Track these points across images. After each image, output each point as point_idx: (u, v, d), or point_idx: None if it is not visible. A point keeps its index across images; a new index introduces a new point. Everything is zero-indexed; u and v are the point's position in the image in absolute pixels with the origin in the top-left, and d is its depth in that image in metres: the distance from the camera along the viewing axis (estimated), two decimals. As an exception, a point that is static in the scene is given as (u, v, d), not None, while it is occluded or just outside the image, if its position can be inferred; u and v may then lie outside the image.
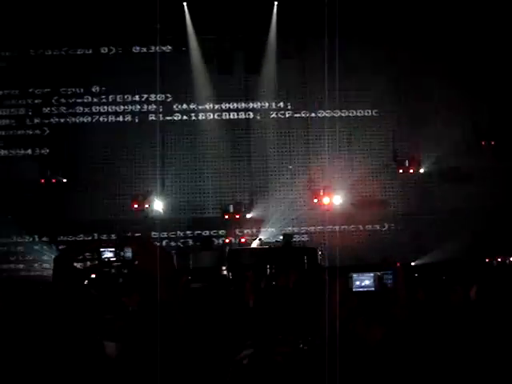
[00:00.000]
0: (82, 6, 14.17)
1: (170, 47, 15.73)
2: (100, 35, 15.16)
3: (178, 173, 15.51)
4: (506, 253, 13.84)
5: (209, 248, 14.67)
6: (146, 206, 15.30)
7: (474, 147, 15.26)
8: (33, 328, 1.43)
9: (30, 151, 15.32)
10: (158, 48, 15.61)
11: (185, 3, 15.41)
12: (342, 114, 15.86)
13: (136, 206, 15.26)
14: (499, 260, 13.71)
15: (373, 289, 2.46)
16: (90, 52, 15.48)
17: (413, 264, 14.09)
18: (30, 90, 15.32)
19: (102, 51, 15.56)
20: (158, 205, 15.39)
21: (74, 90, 15.49)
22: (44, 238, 15.11)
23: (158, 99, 15.69)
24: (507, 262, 13.55)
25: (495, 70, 15.12)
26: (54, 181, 15.12)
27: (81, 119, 15.52)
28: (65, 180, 15.18)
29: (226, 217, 15.43)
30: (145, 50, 15.65)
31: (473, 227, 14.25)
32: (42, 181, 15.06)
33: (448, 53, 15.13)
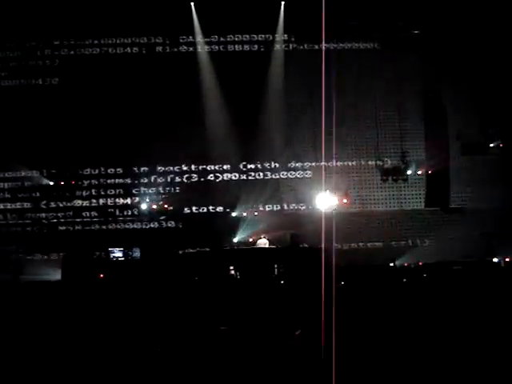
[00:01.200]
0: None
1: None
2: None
3: (184, 171, 15.61)
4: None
5: (218, 247, 14.63)
6: (154, 206, 15.49)
7: (482, 149, 15.24)
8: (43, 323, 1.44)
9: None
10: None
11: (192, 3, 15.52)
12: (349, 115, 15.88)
13: (145, 205, 15.50)
14: (507, 260, 13.69)
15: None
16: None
17: (420, 264, 14.10)
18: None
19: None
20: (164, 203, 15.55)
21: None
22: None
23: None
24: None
25: (504, 71, 15.08)
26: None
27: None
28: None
29: (235, 214, 15.49)
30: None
31: (482, 228, 14.25)
32: (52, 183, 15.30)
33: (454, 53, 15.10)
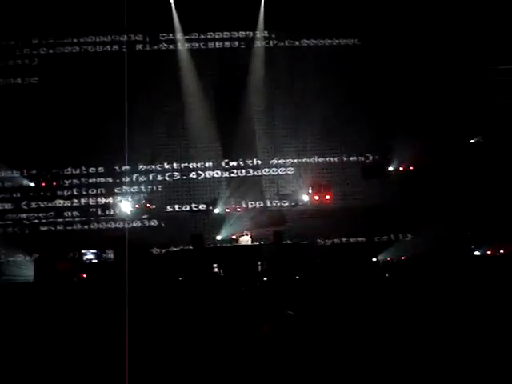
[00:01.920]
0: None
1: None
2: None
3: (166, 169, 15.55)
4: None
5: (199, 245, 14.57)
6: (136, 205, 15.42)
7: (463, 145, 15.33)
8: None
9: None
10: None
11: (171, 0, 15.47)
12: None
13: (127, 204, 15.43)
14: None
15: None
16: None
17: (403, 258, 14.17)
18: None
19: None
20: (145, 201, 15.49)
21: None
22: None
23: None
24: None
25: (483, 69, 15.20)
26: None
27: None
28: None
29: (216, 211, 15.50)
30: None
31: (462, 224, 14.37)
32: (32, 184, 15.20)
33: (434, 49, 15.17)
